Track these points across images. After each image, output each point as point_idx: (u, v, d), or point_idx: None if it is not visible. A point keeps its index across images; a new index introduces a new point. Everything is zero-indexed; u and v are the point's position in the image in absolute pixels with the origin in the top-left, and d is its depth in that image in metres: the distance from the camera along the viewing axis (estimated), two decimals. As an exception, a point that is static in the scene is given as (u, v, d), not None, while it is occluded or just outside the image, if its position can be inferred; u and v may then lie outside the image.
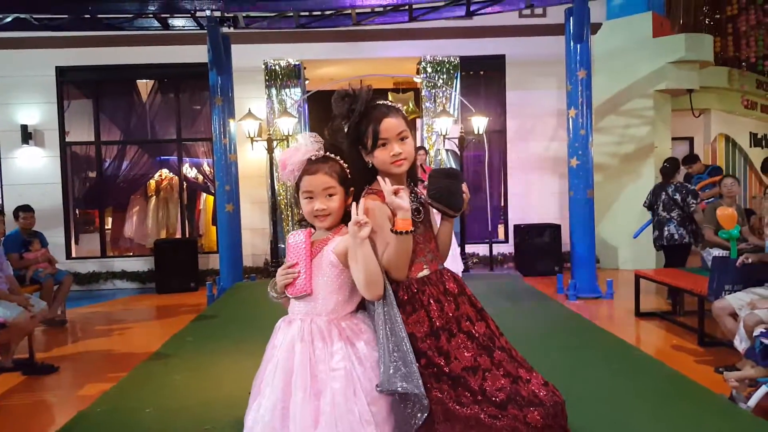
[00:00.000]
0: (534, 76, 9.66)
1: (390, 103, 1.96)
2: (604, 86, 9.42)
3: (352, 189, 1.94)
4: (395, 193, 1.81)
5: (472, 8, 7.87)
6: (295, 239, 1.93)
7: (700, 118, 11.00)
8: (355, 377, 1.77)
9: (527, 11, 9.22)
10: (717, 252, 5.76)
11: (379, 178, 1.87)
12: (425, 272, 1.92)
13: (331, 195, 1.89)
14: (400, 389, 1.72)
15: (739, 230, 4.91)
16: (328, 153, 1.93)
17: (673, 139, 10.24)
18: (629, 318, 6.33)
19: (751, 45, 11.11)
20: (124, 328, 6.68)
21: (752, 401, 3.37)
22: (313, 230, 1.97)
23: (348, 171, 1.94)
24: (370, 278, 1.78)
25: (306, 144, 1.92)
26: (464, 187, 1.95)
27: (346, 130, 1.95)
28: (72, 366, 5.15)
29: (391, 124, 1.89)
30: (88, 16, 7.72)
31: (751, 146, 12.81)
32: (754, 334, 3.63)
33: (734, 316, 4.30)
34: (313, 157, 1.91)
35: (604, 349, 4.63)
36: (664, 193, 6.59)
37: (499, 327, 1.96)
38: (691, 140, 11.31)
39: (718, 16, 11.41)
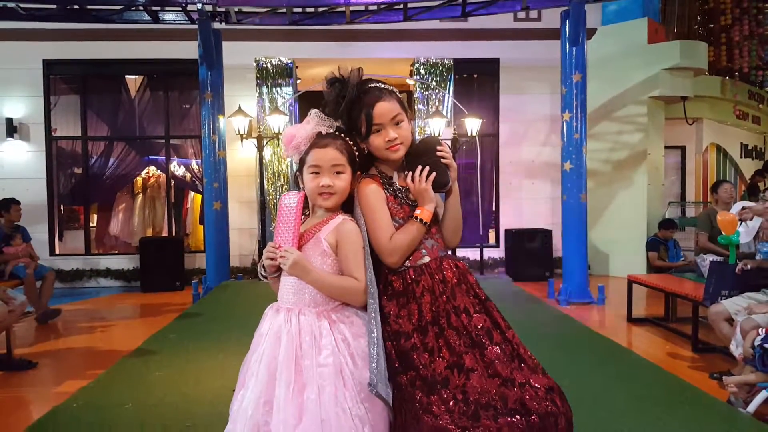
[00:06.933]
0: (528, 80, 9.60)
1: (383, 86, 1.84)
2: (598, 92, 9.34)
3: (359, 173, 1.84)
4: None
5: (467, 9, 7.79)
6: (289, 200, 1.79)
7: (692, 127, 10.98)
8: (347, 373, 1.66)
9: (522, 14, 9.20)
10: (711, 258, 5.70)
11: (408, 181, 1.81)
12: (425, 260, 1.82)
13: (339, 173, 1.78)
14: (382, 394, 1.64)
15: (739, 236, 4.83)
16: (337, 132, 1.83)
17: (666, 147, 10.22)
18: (621, 324, 6.25)
19: (744, 55, 11.18)
20: (107, 326, 6.50)
21: (752, 406, 3.28)
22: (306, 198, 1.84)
23: (357, 154, 1.83)
24: (341, 292, 1.76)
25: (316, 119, 1.81)
26: (443, 151, 1.81)
27: (338, 117, 1.84)
28: (51, 362, 4.99)
29: (384, 109, 1.79)
30: (77, 6, 7.57)
31: (741, 157, 12.83)
32: (755, 342, 3.54)
33: (730, 321, 4.22)
34: (323, 131, 1.80)
35: (600, 352, 4.54)
36: None
37: (505, 319, 1.81)
38: (683, 149, 11.29)
39: (712, 25, 11.44)
